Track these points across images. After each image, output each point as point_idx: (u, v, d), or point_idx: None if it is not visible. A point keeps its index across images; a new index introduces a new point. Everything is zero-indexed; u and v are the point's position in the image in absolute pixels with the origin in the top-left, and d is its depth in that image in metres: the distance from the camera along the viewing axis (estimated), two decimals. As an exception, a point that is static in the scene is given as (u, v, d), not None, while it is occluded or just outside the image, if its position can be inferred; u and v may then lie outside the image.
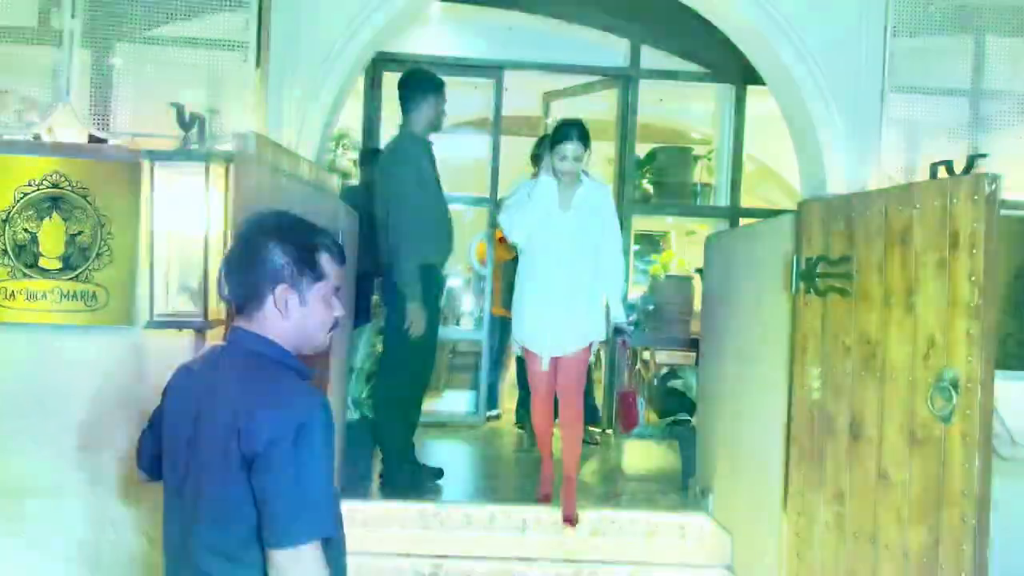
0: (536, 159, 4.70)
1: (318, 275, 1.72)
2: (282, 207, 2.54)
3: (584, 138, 3.66)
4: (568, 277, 3.71)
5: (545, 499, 4.00)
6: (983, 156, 3.06)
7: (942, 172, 3.09)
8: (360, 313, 4.48)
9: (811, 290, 2.96)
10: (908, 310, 2.56)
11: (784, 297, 3.23)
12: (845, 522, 2.79)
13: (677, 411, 4.55)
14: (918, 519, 2.49)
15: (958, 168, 3.06)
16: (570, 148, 3.64)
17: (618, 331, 3.88)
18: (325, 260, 1.73)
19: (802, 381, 3.02)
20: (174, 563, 1.71)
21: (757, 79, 3.84)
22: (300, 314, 1.71)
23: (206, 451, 1.63)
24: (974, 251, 2.33)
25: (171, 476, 1.72)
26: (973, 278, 2.33)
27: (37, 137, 3.27)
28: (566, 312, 3.72)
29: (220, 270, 1.74)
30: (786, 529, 3.08)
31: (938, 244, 2.45)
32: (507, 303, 4.57)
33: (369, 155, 5.05)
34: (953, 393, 2.37)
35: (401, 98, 4.07)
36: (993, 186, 2.29)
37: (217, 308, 3.00)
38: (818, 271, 2.92)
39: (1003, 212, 2.93)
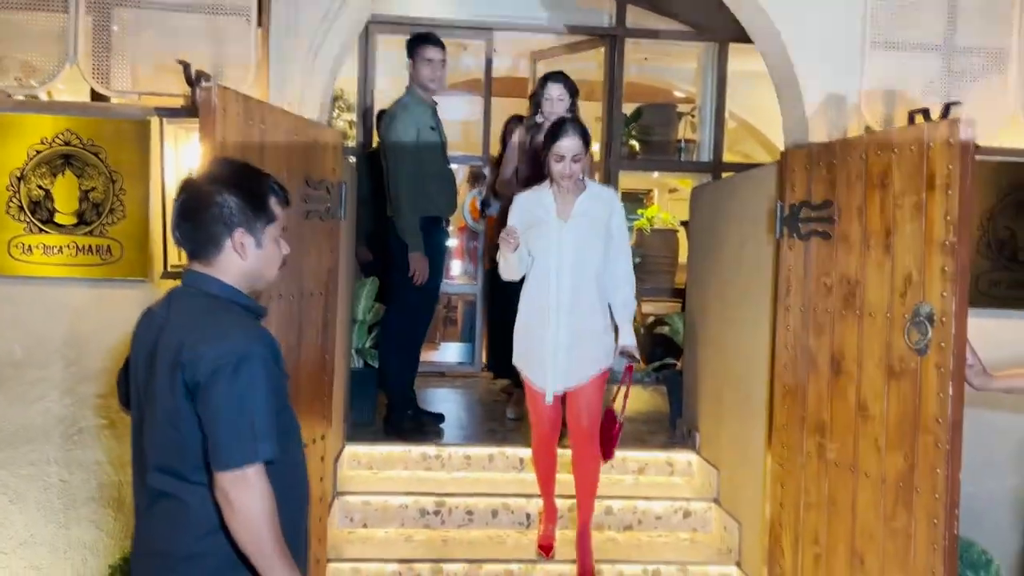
0: (532, 98, 4.42)
1: (270, 217, 1.83)
2: (256, 159, 2.62)
3: (583, 135, 3.23)
4: (572, 294, 3.23)
5: (545, 551, 3.58)
6: (957, 104, 3.20)
7: (919, 120, 3.25)
8: (364, 267, 4.64)
9: (794, 234, 3.12)
10: (886, 250, 2.71)
11: (767, 242, 3.40)
12: (826, 452, 2.97)
13: (664, 356, 4.74)
14: (895, 446, 2.66)
15: (935, 116, 3.21)
16: (567, 146, 3.19)
17: (623, 355, 3.36)
18: (274, 203, 1.84)
19: (785, 322, 3.19)
20: (136, 493, 1.86)
21: (738, 37, 3.96)
22: (256, 255, 1.82)
23: (158, 383, 1.74)
24: (949, 192, 2.47)
25: (134, 410, 1.86)
26: (948, 218, 2.47)
27: (35, 98, 3.35)
28: (573, 335, 3.25)
29: (173, 218, 1.83)
30: (770, 461, 3.27)
31: (915, 186, 2.59)
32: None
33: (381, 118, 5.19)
34: (928, 327, 2.52)
35: (408, 59, 4.24)
36: (969, 130, 2.42)
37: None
38: (801, 216, 3.08)
39: (976, 158, 3.12)
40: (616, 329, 3.39)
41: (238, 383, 1.68)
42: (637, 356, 3.39)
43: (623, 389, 3.38)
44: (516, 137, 4.43)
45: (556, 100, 4.17)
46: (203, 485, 1.72)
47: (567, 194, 3.28)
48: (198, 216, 1.79)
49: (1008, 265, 3.32)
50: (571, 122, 3.26)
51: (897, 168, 2.66)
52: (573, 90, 4.23)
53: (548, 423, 3.37)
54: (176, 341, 1.72)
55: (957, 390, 2.46)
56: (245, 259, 1.81)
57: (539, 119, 4.25)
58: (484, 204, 5.25)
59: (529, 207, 3.32)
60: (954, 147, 2.45)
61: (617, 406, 3.39)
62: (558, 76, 4.28)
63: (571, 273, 3.23)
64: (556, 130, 3.23)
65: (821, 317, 3.02)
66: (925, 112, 3.21)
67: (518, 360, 3.40)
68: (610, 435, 3.37)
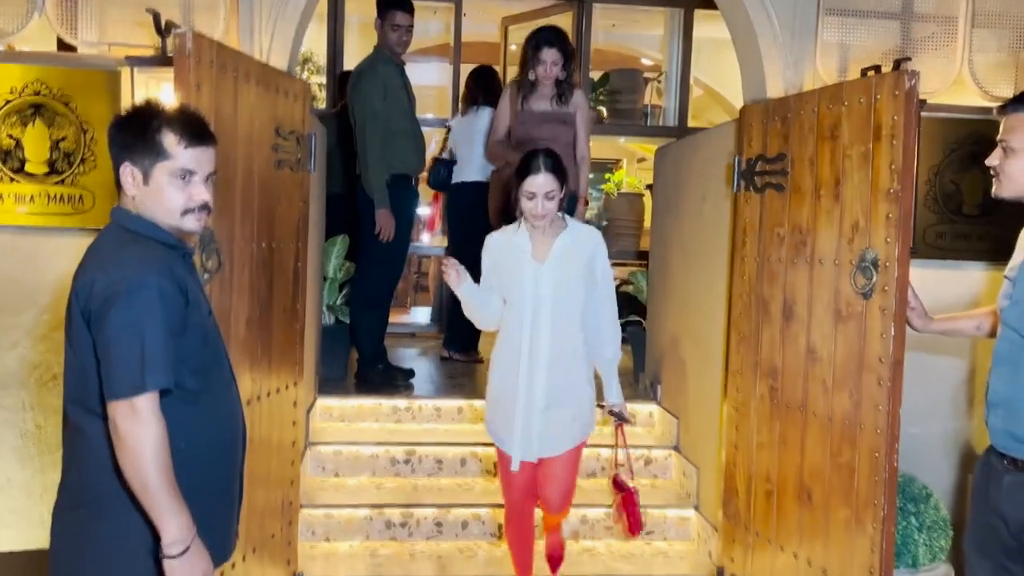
0: (523, 62, 4.07)
1: (160, 154, 1.78)
2: (228, 107, 2.69)
3: (557, 170, 2.82)
4: (551, 346, 2.84)
5: None
6: (907, 60, 3.34)
7: (871, 75, 3.38)
8: (333, 226, 4.70)
9: (750, 187, 3.24)
10: (835, 199, 2.83)
11: (726, 196, 3.52)
12: (778, 394, 3.11)
13: (629, 314, 4.86)
14: (841, 387, 2.80)
15: (886, 72, 3.34)
16: (539, 183, 2.79)
17: (611, 414, 3.06)
18: (169, 140, 1.79)
19: (741, 272, 3.32)
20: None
21: (704, 3, 4.05)
22: (143, 192, 1.80)
23: (69, 313, 1.76)
24: (894, 142, 2.58)
25: None
26: (893, 166, 2.59)
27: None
28: (552, 395, 2.86)
29: None
30: (726, 406, 3.42)
31: (863, 137, 2.70)
32: None
33: (345, 79, 5.23)
34: (873, 271, 2.65)
35: (377, 18, 4.28)
36: (913, 81, 2.53)
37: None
38: (757, 169, 3.20)
39: (924, 114, 3.25)
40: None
41: (130, 311, 1.66)
42: (627, 416, 3.10)
43: (622, 450, 3.11)
44: (506, 98, 4.17)
45: (550, 65, 3.91)
46: (102, 417, 1.71)
47: (543, 234, 2.89)
48: (109, 152, 1.85)
49: (953, 218, 3.47)
50: (544, 156, 2.83)
51: (847, 120, 2.77)
52: (568, 52, 3.97)
53: (519, 490, 2.99)
54: (80, 270, 1.76)
55: (899, 330, 2.59)
56: (131, 195, 1.81)
57: (531, 76, 3.99)
58: (436, 172, 5.09)
59: (501, 249, 2.95)
60: (899, 98, 2.56)
61: (622, 471, 3.14)
62: (552, 38, 3.94)
63: (550, 321, 2.84)
64: (526, 165, 2.84)
65: (774, 266, 3.14)
66: (877, 69, 3.34)
67: (490, 425, 3.03)
68: (631, 507, 3.07)
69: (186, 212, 1.83)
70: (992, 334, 2.52)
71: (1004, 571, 2.25)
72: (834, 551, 2.80)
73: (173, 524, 1.69)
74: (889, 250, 2.61)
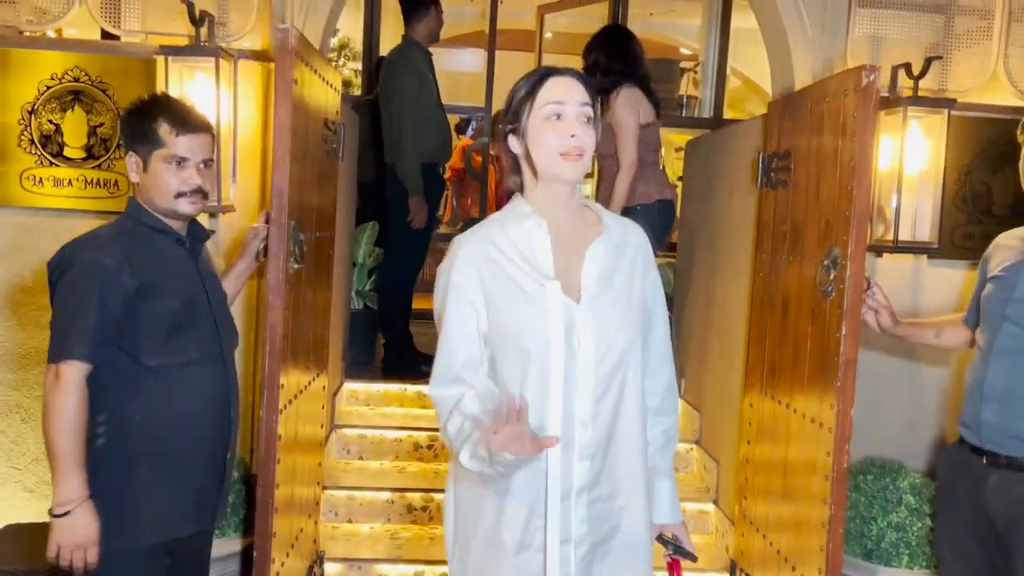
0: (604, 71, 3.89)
1: (154, 143, 1.98)
2: (306, 102, 2.73)
3: (588, 83, 1.67)
4: (598, 457, 1.64)
5: None
6: (937, 58, 3.27)
7: (901, 76, 3.32)
8: (362, 213, 4.78)
9: (767, 184, 3.21)
10: (816, 197, 2.76)
11: (751, 191, 3.49)
12: (776, 392, 3.07)
13: (656, 307, 4.85)
14: (812, 384, 2.73)
15: (916, 71, 3.28)
16: (568, 88, 1.62)
17: (663, 541, 1.85)
18: (163, 130, 1.98)
19: (759, 269, 3.29)
20: None
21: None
22: (144, 179, 2.01)
23: None
24: (855, 138, 2.50)
25: None
26: (851, 163, 2.50)
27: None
28: (597, 536, 1.67)
29: None
30: (744, 402, 3.41)
31: (836, 133, 2.63)
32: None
33: (379, 65, 5.29)
34: (832, 269, 2.59)
35: (403, 9, 4.33)
36: (871, 77, 2.44)
37: (230, 193, 3.27)
38: (772, 166, 3.17)
39: (955, 113, 3.20)
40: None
41: (70, 284, 1.87)
42: (689, 547, 1.86)
43: None
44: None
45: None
46: (90, 387, 1.91)
47: (569, 234, 1.68)
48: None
49: (981, 219, 3.40)
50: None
51: (827, 117, 2.71)
52: (589, 56, 4.03)
53: None
54: None
55: (851, 329, 2.50)
56: (136, 182, 2.03)
57: None
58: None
59: (488, 267, 1.65)
60: (859, 94, 2.47)
61: None
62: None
63: (593, 408, 1.62)
64: (535, 76, 1.67)
65: (778, 263, 3.09)
66: (907, 67, 3.29)
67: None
68: None
69: (179, 195, 2.01)
70: (951, 345, 2.54)
71: (989, 570, 2.23)
72: (803, 548, 2.77)
73: (63, 487, 1.85)
74: (845, 248, 2.53)
